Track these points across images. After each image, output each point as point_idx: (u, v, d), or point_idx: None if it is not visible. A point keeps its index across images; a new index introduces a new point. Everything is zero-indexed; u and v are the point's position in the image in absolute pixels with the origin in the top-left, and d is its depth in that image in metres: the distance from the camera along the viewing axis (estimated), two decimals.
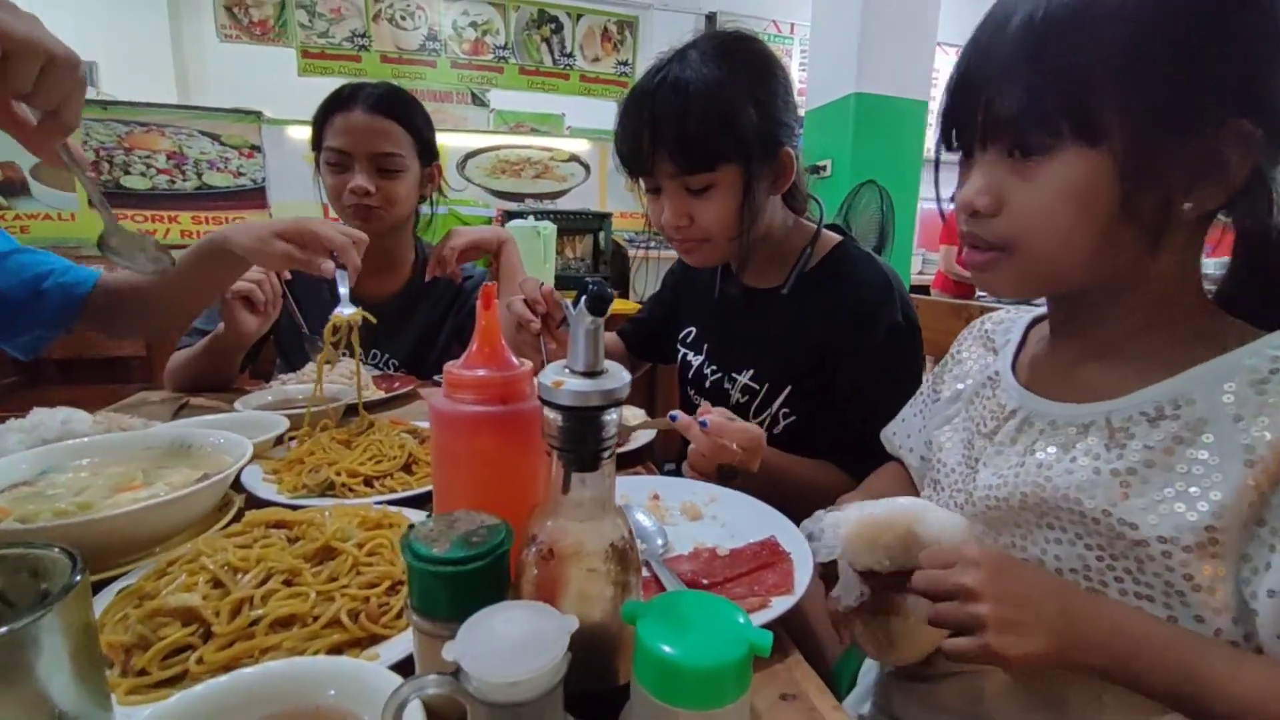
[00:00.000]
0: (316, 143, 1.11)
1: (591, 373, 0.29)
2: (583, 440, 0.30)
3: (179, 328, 1.05)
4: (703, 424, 0.63)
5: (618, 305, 2.67)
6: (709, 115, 0.71)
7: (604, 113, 4.59)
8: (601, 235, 2.88)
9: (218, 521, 0.55)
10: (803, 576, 0.48)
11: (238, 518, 0.54)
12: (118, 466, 0.59)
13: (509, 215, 2.46)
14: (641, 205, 0.88)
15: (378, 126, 1.07)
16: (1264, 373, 0.38)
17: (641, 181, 0.81)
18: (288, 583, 0.42)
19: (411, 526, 0.31)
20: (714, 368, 0.90)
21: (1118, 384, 0.43)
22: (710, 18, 4.47)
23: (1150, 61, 0.37)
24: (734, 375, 0.85)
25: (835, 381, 0.78)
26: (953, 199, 0.49)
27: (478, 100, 4.48)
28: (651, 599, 0.29)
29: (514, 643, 0.22)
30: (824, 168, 2.90)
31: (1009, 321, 0.58)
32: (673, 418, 0.66)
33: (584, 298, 0.28)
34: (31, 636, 0.26)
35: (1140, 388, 0.42)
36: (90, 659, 0.29)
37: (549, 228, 2.28)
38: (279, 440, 0.75)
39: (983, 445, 0.51)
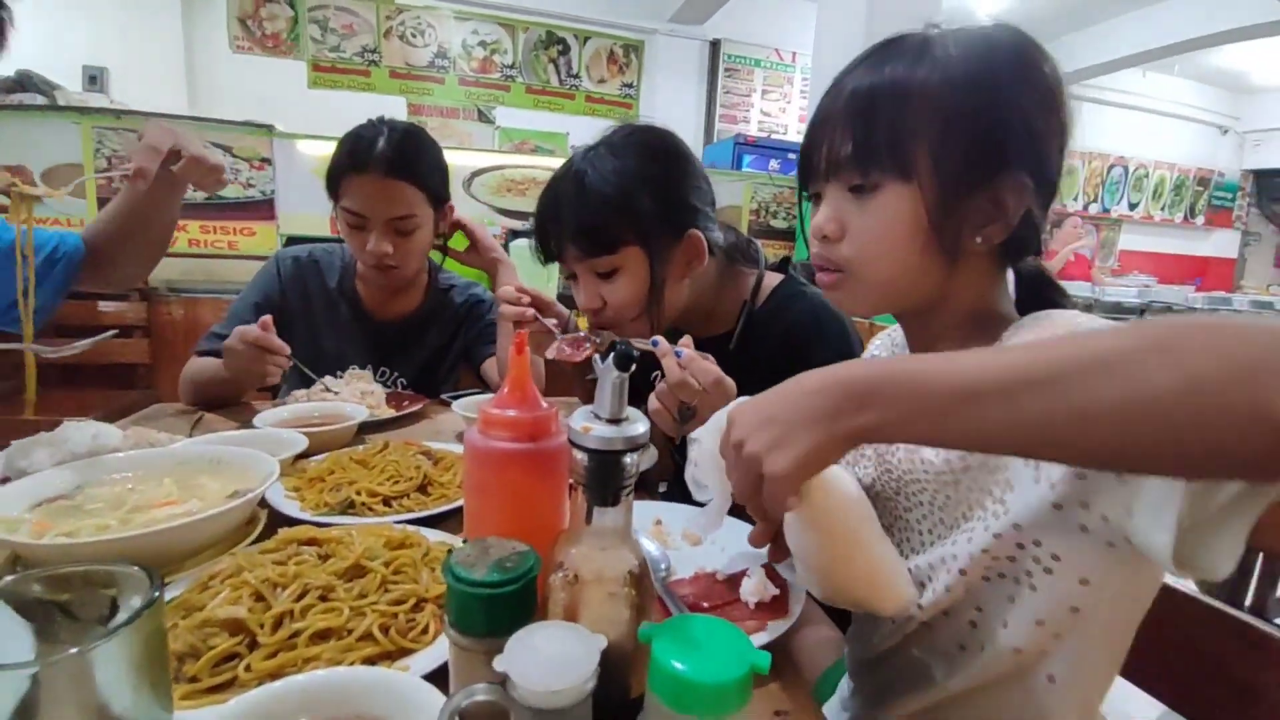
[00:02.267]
0: (333, 193, 1.12)
1: (616, 420, 0.33)
2: (606, 479, 0.33)
3: (157, 257, 1.00)
4: (678, 354, 0.67)
5: None
6: (603, 201, 0.77)
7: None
8: None
9: (245, 536, 0.59)
10: (796, 604, 0.52)
11: (265, 533, 0.58)
12: (151, 481, 0.62)
13: (514, 234, 2.51)
14: None
15: (392, 192, 1.08)
16: None
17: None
18: (323, 598, 0.45)
19: (450, 551, 0.35)
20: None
21: None
22: (715, 45, 4.58)
23: (945, 122, 0.49)
24: None
25: None
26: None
27: (484, 117, 4.57)
28: (664, 622, 0.33)
29: (553, 657, 0.26)
30: None
31: (890, 340, 0.68)
32: (654, 343, 0.69)
33: (611, 355, 0.32)
34: (116, 645, 0.30)
35: None
36: (163, 664, 0.33)
37: None
38: (297, 457, 0.78)
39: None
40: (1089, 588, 0.42)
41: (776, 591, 0.52)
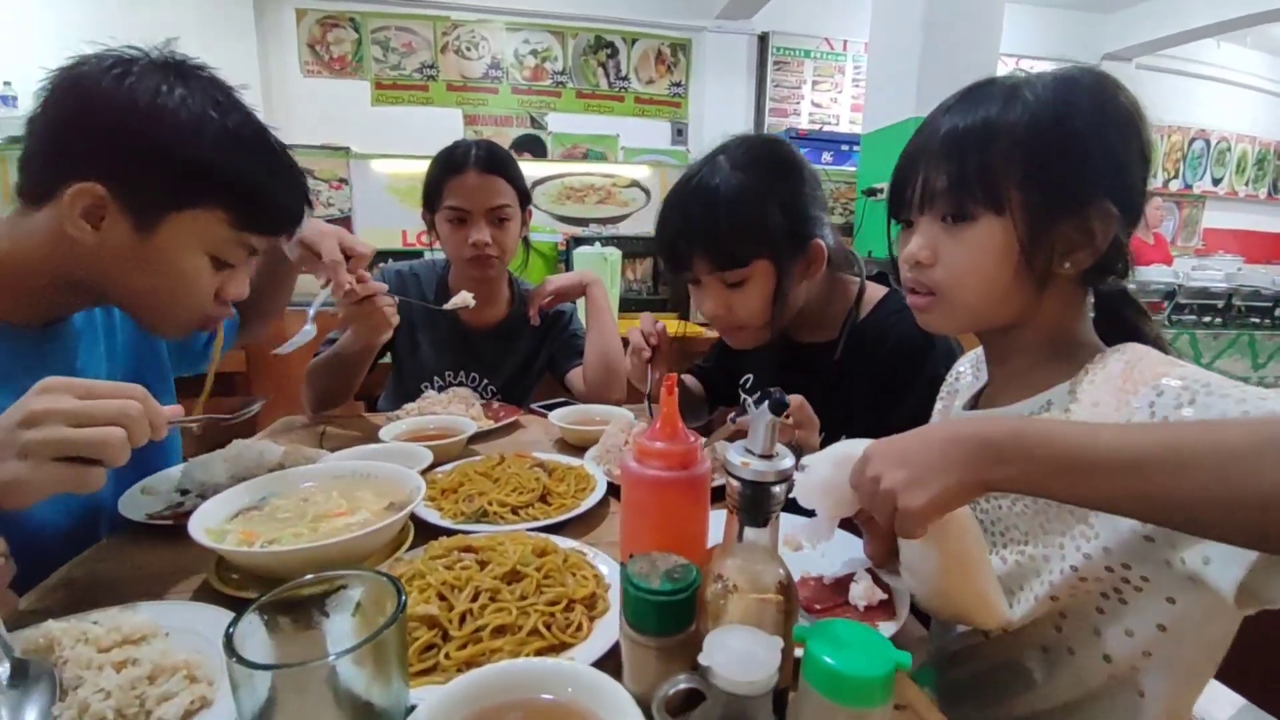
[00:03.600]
0: (432, 202, 1.25)
1: (768, 456, 0.39)
2: (758, 505, 0.40)
3: (277, 316, 1.16)
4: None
5: (685, 328, 2.77)
6: (738, 219, 0.81)
7: (656, 133, 4.74)
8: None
9: (402, 542, 0.68)
10: (903, 607, 0.57)
11: (416, 541, 0.66)
12: (322, 494, 0.72)
13: (575, 241, 2.59)
14: None
15: (489, 184, 1.22)
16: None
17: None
18: (492, 598, 0.53)
19: (624, 565, 0.42)
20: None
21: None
22: (763, 38, 4.56)
23: (1035, 160, 0.53)
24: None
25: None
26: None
27: (536, 124, 4.68)
28: (814, 624, 0.38)
29: (744, 654, 0.32)
30: (882, 190, 2.94)
31: (976, 358, 0.74)
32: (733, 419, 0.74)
33: (766, 402, 0.38)
34: (384, 641, 0.38)
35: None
36: (405, 653, 0.41)
37: (615, 254, 2.41)
38: (424, 469, 0.87)
39: None
40: (1176, 606, 0.46)
41: (884, 595, 0.57)
